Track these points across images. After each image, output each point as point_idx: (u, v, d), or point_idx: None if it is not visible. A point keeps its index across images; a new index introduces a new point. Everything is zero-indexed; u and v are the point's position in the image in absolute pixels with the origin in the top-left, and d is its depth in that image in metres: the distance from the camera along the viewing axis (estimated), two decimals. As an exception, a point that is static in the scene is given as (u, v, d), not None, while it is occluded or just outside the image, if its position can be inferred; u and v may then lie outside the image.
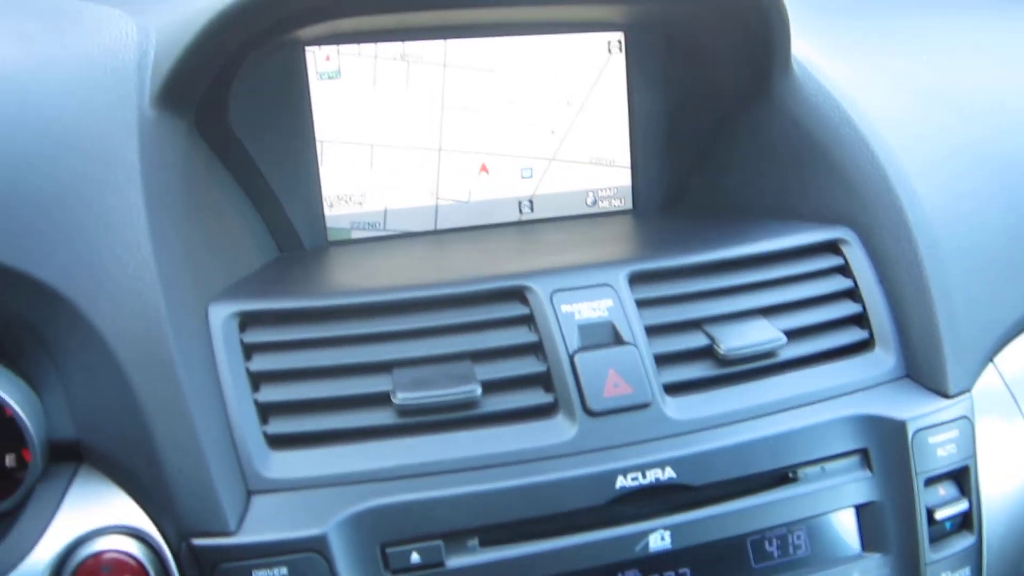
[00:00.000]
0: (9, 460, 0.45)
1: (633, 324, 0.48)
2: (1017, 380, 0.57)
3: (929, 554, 0.47)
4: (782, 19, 0.58)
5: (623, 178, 0.70)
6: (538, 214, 0.69)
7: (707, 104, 0.67)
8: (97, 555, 0.41)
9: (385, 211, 0.66)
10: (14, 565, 0.41)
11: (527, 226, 0.67)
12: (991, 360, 0.57)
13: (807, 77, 0.62)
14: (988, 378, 0.56)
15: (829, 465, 0.48)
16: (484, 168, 0.67)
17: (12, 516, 0.43)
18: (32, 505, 0.43)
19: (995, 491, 0.52)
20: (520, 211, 0.68)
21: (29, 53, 0.53)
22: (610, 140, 0.70)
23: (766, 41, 0.60)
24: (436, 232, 0.66)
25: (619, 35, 0.68)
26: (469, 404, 0.45)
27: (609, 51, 0.68)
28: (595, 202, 0.70)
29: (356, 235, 0.65)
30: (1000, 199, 0.61)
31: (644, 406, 0.46)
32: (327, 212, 0.64)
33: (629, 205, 0.71)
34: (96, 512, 0.43)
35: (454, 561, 0.41)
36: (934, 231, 0.55)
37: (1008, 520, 0.52)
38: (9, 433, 0.43)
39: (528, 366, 0.47)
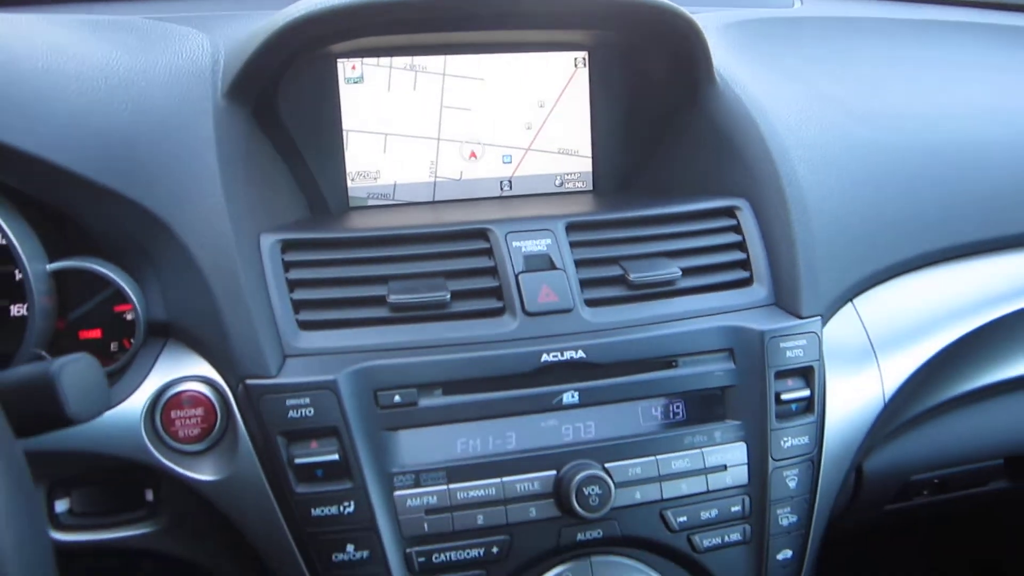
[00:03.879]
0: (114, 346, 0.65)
1: (564, 256, 0.68)
2: (869, 317, 0.75)
3: (775, 424, 0.66)
4: (702, 46, 0.77)
5: (585, 165, 0.90)
6: (515, 191, 0.89)
7: (652, 108, 0.87)
8: (180, 393, 0.61)
9: (395, 185, 0.86)
10: (124, 399, 0.61)
11: (506, 199, 0.87)
12: (850, 301, 0.75)
13: (728, 89, 0.82)
14: (848, 314, 0.75)
15: (703, 358, 0.66)
16: (473, 154, 0.87)
17: (123, 370, 0.63)
18: (137, 363, 0.63)
19: (839, 388, 0.70)
20: (501, 188, 0.88)
21: (134, 61, 0.74)
22: (575, 135, 0.89)
23: (691, 62, 0.80)
24: (434, 202, 0.87)
25: (583, 54, 0.88)
26: (441, 305, 0.65)
27: (575, 66, 0.88)
28: (562, 184, 0.90)
29: (371, 203, 0.86)
30: (869, 181, 0.80)
31: (567, 311, 0.66)
32: (349, 184, 0.84)
33: (590, 187, 0.90)
34: (180, 367, 0.63)
35: (424, 402, 0.61)
36: (806, 202, 0.74)
37: (846, 408, 0.70)
38: (121, 320, 0.64)
39: (485, 282, 0.67)
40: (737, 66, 0.86)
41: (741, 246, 0.73)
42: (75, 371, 0.45)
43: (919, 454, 0.80)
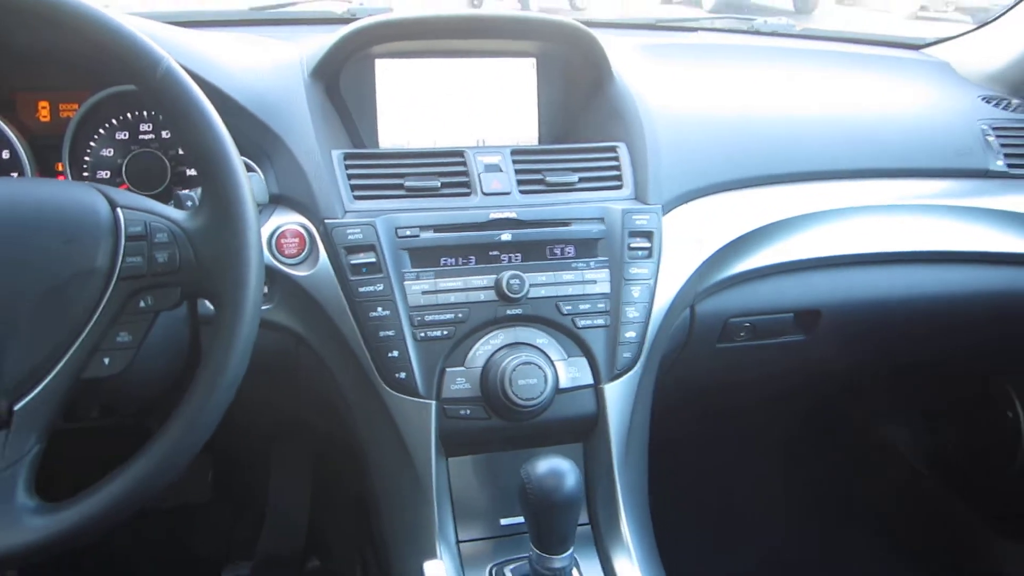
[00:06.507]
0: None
1: (508, 166, 1.19)
2: (698, 214, 1.25)
3: (627, 260, 1.15)
4: (602, 53, 1.29)
5: (534, 135, 1.40)
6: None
7: (575, 94, 1.37)
8: (286, 230, 1.11)
9: (408, 143, 1.36)
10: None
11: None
12: (686, 203, 1.25)
13: (621, 82, 1.33)
14: (685, 210, 1.25)
15: (586, 221, 1.16)
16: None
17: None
18: (262, 216, 1.13)
19: (672, 249, 1.20)
20: (476, 143, 1.38)
21: (255, 57, 1.25)
22: (527, 114, 1.40)
23: (597, 64, 1.31)
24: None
25: (533, 60, 1.39)
26: (435, 189, 1.15)
27: (529, 68, 1.39)
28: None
29: (395, 151, 1.36)
30: (705, 136, 1.30)
31: (507, 193, 1.16)
32: (380, 140, 1.35)
33: (537, 146, 1.41)
34: (285, 218, 1.13)
35: (423, 235, 1.10)
36: (659, 145, 1.24)
37: (675, 261, 1.19)
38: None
39: (461, 178, 1.17)
40: (633, 68, 1.37)
41: (617, 167, 1.24)
42: (256, 179, 0.95)
43: (734, 304, 1.29)
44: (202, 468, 1.72)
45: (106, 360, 0.85)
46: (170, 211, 0.88)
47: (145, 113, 1.20)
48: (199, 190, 0.91)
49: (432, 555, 1.05)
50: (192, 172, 1.20)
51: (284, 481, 1.74)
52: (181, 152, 1.20)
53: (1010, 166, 1.44)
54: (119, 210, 0.86)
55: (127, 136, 1.19)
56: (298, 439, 1.66)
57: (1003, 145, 1.45)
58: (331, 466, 1.69)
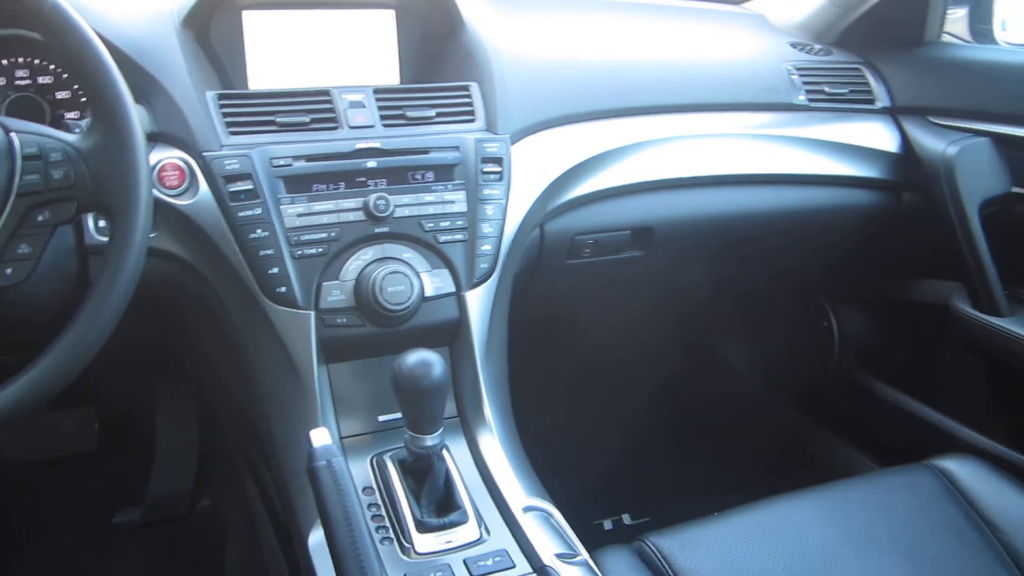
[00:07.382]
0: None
1: (371, 103, 1.32)
2: (544, 143, 1.42)
3: (481, 183, 1.30)
4: (453, 6, 1.43)
5: (396, 78, 1.54)
6: (353, 92, 1.52)
7: (432, 41, 1.51)
8: (166, 163, 1.21)
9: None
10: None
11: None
12: (533, 134, 1.41)
13: (472, 28, 1.47)
14: (533, 140, 1.41)
15: (443, 150, 1.31)
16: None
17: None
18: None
19: (521, 173, 1.36)
20: (344, 90, 1.51)
21: (130, 10, 1.34)
22: (389, 60, 1.53)
23: (448, 14, 1.45)
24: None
25: (392, 11, 1.52)
26: (304, 124, 1.27)
27: (389, 19, 1.52)
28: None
29: (265, 97, 1.47)
30: (548, 75, 1.47)
31: (371, 127, 1.30)
32: (250, 86, 1.46)
33: (398, 91, 1.54)
34: (166, 152, 1.23)
35: (296, 164, 1.23)
36: (506, 82, 1.41)
37: (524, 183, 1.36)
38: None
39: (329, 114, 1.30)
40: (484, 19, 1.52)
41: (470, 104, 1.39)
42: (140, 108, 1.05)
43: (578, 223, 1.47)
44: (89, 417, 1.79)
45: (8, 271, 0.94)
46: (62, 134, 0.97)
47: (21, 59, 1.27)
48: (85, 120, 1.01)
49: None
50: (71, 115, 1.28)
51: (171, 424, 1.82)
52: (59, 97, 1.28)
53: (810, 100, 1.68)
54: (13, 134, 0.95)
55: (4, 82, 1.26)
56: (183, 381, 1.75)
57: (805, 83, 1.69)
58: (217, 406, 1.79)
